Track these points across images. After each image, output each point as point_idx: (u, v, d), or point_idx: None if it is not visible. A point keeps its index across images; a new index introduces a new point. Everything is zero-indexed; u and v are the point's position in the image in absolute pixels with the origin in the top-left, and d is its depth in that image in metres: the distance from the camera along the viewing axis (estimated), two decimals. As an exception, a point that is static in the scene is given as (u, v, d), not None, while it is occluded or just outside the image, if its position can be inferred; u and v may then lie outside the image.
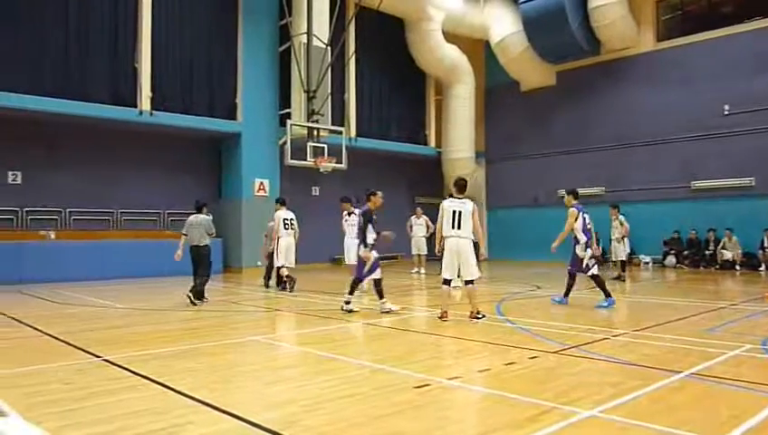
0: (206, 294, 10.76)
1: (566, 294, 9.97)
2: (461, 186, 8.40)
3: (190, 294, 10.40)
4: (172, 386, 4.87)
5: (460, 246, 8.15)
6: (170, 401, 4.48)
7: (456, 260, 8.18)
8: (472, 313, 8.24)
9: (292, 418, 4.05)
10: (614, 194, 20.41)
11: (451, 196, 8.42)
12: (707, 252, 18.53)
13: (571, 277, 9.92)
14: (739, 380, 4.93)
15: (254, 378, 5.47)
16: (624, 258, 14.93)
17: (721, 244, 18.05)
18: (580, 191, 21.11)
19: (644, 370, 5.28)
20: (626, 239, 15.06)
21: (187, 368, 5.64)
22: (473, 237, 8.17)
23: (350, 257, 11.84)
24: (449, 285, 8.43)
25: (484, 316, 8.20)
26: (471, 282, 8.22)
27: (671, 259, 19.16)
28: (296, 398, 4.56)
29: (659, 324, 7.86)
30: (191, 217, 10.81)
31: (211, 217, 10.98)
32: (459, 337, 6.99)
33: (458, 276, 8.44)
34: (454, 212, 8.19)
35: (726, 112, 18.34)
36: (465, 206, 8.21)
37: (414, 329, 8.12)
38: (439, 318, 8.27)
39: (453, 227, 8.15)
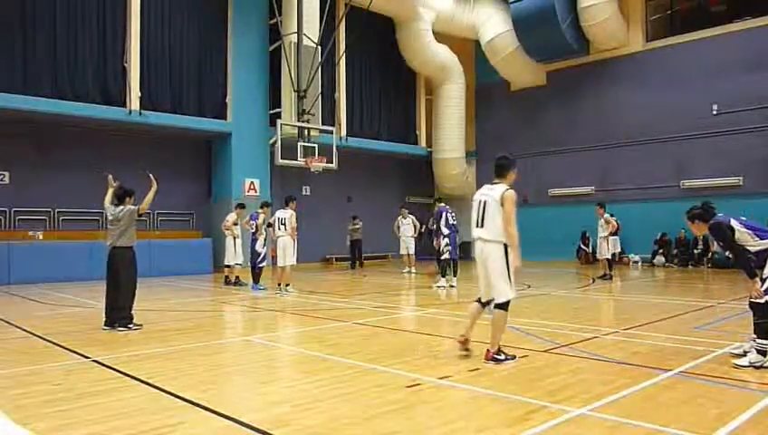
0: (134, 321, 7.89)
1: (255, 281, 13.13)
2: (500, 166, 5.89)
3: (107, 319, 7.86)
4: (163, 387, 4.85)
5: (484, 253, 5.74)
6: (161, 402, 4.47)
7: (481, 271, 5.84)
8: (489, 351, 5.64)
9: (284, 417, 4.05)
10: (604, 193, 20.52)
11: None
12: (696, 251, 18.68)
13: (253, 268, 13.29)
14: (728, 378, 4.97)
15: (246, 378, 5.47)
16: (608, 256, 14.63)
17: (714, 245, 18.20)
18: (570, 191, 21.82)
19: (634, 368, 5.32)
20: (613, 237, 15.03)
21: (178, 368, 5.61)
22: (503, 239, 5.62)
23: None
24: (479, 302, 5.91)
25: (507, 359, 5.60)
26: (501, 305, 5.61)
27: (660, 258, 19.29)
28: (288, 398, 4.56)
29: (649, 323, 7.91)
30: (110, 207, 8.26)
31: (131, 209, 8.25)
32: (449, 337, 6.99)
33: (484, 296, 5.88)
34: (479, 204, 5.82)
35: (715, 112, 18.48)
36: (493, 193, 5.71)
37: (405, 328, 8.13)
38: (458, 341, 5.97)
39: (477, 226, 5.80)
